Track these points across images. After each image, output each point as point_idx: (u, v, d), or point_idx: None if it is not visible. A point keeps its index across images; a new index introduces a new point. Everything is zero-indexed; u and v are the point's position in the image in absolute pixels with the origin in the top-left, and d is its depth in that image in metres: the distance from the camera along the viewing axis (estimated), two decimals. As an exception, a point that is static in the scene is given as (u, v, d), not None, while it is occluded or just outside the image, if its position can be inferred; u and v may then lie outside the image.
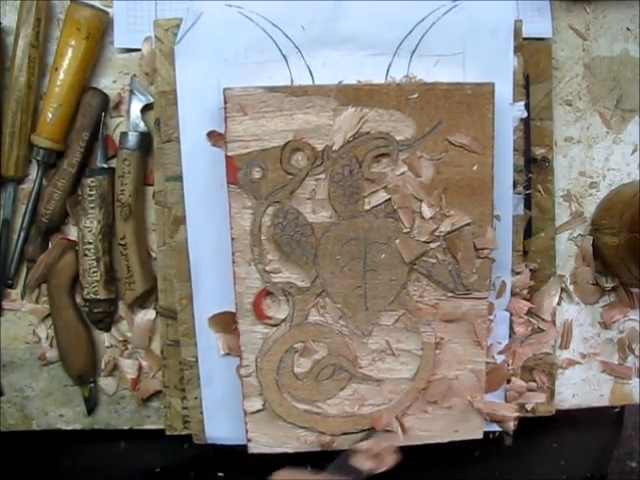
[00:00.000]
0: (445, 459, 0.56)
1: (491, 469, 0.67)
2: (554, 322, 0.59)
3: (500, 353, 0.57)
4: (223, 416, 0.56)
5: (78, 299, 0.59)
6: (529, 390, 0.59)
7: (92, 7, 0.56)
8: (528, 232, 0.58)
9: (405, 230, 0.52)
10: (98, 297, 0.57)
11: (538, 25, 0.59)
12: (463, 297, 0.53)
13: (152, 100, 0.56)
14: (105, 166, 0.57)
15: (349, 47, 0.54)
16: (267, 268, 0.52)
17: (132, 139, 0.56)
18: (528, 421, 0.59)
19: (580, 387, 0.62)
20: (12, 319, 0.60)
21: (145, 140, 0.56)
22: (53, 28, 0.58)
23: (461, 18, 0.53)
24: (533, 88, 0.58)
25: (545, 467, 0.68)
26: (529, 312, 0.58)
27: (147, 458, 0.66)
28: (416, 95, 0.51)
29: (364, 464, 0.52)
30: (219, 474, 0.67)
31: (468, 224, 0.52)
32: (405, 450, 0.54)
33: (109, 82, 0.59)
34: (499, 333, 0.57)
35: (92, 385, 0.59)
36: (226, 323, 0.55)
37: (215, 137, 0.53)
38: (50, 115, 0.56)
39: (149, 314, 0.59)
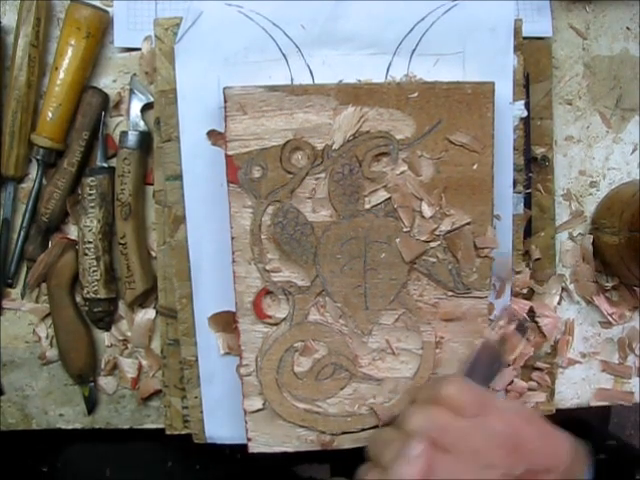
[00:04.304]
0: None
1: None
2: (554, 321, 0.59)
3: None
4: (223, 415, 0.56)
5: (78, 298, 0.59)
6: (530, 390, 0.59)
7: (92, 6, 0.56)
8: (528, 231, 0.58)
9: (405, 229, 0.52)
10: (98, 296, 0.57)
11: (538, 24, 0.59)
12: (463, 296, 0.53)
13: (152, 99, 0.56)
14: (105, 165, 0.57)
15: (349, 46, 0.54)
16: (267, 267, 0.52)
17: (132, 138, 0.56)
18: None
19: (580, 386, 0.62)
20: (12, 318, 0.60)
21: (145, 139, 0.56)
22: (53, 27, 0.58)
23: (461, 17, 0.53)
24: (533, 87, 0.58)
25: None
26: (530, 312, 0.58)
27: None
28: (416, 94, 0.51)
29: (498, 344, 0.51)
30: None
31: (468, 223, 0.52)
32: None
33: (109, 81, 0.59)
34: (499, 332, 0.57)
35: (92, 384, 0.59)
36: (226, 322, 0.55)
37: (215, 136, 0.53)
38: (50, 114, 0.56)
39: (149, 313, 0.59)
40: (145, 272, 0.57)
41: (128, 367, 0.59)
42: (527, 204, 0.57)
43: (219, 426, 0.57)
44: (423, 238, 0.52)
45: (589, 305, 0.61)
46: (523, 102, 0.55)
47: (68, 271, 0.57)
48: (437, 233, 0.52)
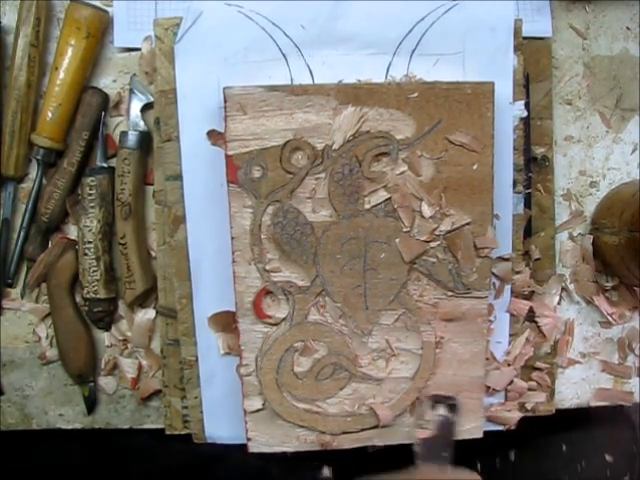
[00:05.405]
0: (473, 455, 0.55)
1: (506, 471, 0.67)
2: (554, 321, 0.59)
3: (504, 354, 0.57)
4: (223, 415, 0.56)
5: (78, 298, 0.59)
6: (529, 390, 0.59)
7: (92, 6, 0.56)
8: (528, 231, 0.58)
9: (405, 229, 0.52)
10: (98, 296, 0.57)
11: (538, 24, 0.59)
12: (463, 296, 0.53)
13: (152, 99, 0.56)
14: (105, 165, 0.57)
15: (349, 46, 0.54)
16: (267, 267, 0.52)
17: (132, 138, 0.56)
18: (544, 423, 0.59)
19: (580, 386, 0.62)
20: (12, 318, 0.60)
21: (145, 139, 0.56)
22: (53, 27, 0.58)
23: (461, 17, 0.53)
24: (533, 87, 0.58)
25: (570, 468, 0.69)
26: (529, 312, 0.58)
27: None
28: (416, 94, 0.51)
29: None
30: None
31: (468, 223, 0.52)
32: (405, 450, 0.54)
33: (109, 81, 0.59)
34: (499, 333, 0.57)
35: (92, 384, 0.59)
36: (226, 322, 0.55)
37: (215, 136, 0.53)
38: (50, 114, 0.56)
39: (149, 313, 0.59)
40: (145, 272, 0.57)
41: (128, 367, 0.59)
42: (527, 204, 0.57)
43: (219, 426, 0.57)
44: (423, 238, 0.52)
45: (589, 305, 0.61)
46: (523, 102, 0.55)
47: (68, 271, 0.57)
48: (437, 233, 0.52)
